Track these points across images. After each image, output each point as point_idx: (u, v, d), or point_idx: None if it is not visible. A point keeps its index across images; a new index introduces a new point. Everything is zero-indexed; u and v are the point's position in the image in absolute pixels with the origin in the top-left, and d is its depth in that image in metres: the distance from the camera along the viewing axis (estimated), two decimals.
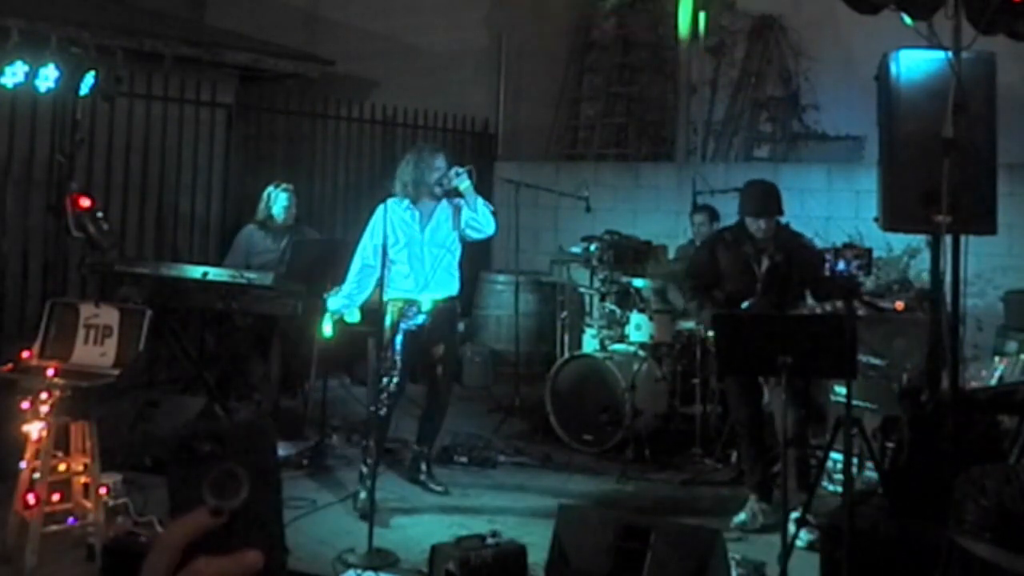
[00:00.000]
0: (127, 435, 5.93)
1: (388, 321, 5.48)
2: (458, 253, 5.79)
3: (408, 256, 5.60)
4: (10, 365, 4.83)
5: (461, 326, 8.76)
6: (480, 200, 5.69)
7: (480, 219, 5.68)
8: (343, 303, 5.74)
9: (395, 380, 5.51)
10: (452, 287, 5.75)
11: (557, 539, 4.35)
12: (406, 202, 5.64)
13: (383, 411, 5.50)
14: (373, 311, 5.67)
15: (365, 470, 5.48)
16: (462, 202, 5.66)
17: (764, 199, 5.54)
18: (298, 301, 6.24)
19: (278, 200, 7.25)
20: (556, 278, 8.85)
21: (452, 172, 5.62)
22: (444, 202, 5.70)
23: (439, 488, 5.85)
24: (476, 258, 10.04)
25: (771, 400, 5.64)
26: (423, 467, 5.94)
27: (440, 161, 5.70)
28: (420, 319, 5.63)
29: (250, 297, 6.35)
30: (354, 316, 5.81)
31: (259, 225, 7.27)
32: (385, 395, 5.50)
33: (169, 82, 8.12)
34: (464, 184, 5.59)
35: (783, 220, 5.63)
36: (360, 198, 9.64)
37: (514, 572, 4.43)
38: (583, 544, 4.32)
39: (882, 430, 5.57)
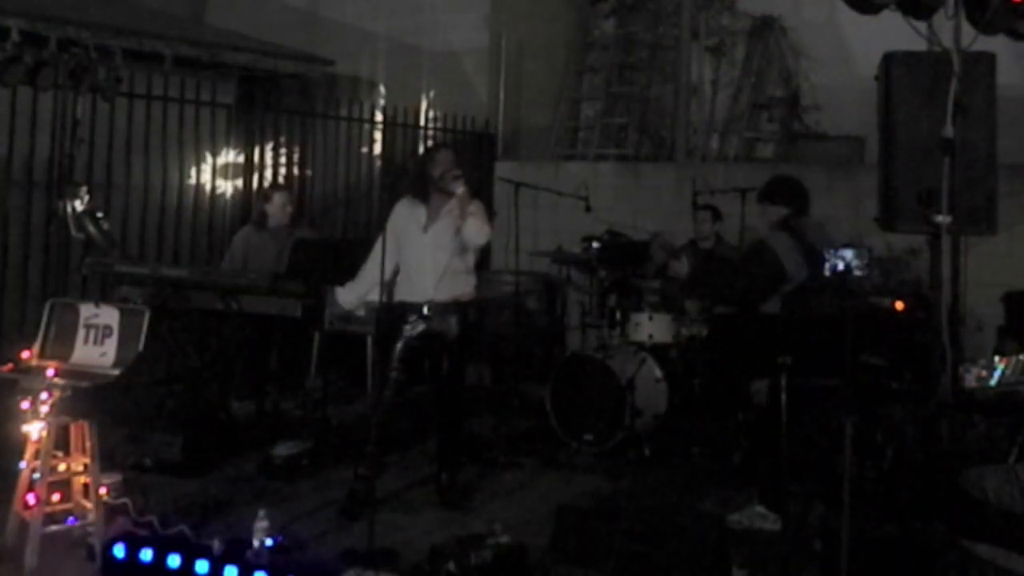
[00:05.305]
0: (127, 435, 5.94)
1: (390, 326, 5.29)
2: (468, 253, 5.65)
3: (410, 257, 5.54)
4: (10, 365, 4.83)
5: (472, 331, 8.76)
6: (470, 215, 5.57)
7: (469, 231, 5.53)
8: (357, 296, 5.75)
9: (394, 388, 5.31)
10: (458, 289, 5.60)
11: (557, 539, 4.36)
12: (415, 201, 5.57)
13: (381, 419, 5.38)
14: (376, 312, 5.62)
15: (362, 472, 5.43)
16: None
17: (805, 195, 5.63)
18: (298, 301, 6.24)
19: (273, 200, 7.26)
20: (556, 278, 8.84)
21: (452, 174, 5.52)
22: (453, 201, 5.57)
23: (458, 504, 5.63)
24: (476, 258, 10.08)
25: (771, 400, 5.63)
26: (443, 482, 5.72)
27: (442, 155, 5.66)
28: (420, 326, 5.39)
29: (250, 297, 6.35)
30: (361, 312, 5.81)
31: (256, 226, 7.27)
32: (383, 403, 5.40)
33: (169, 82, 8.12)
34: (460, 191, 5.51)
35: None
36: (360, 198, 9.64)
37: (514, 572, 4.43)
38: (583, 544, 4.32)
39: (882, 430, 5.57)
